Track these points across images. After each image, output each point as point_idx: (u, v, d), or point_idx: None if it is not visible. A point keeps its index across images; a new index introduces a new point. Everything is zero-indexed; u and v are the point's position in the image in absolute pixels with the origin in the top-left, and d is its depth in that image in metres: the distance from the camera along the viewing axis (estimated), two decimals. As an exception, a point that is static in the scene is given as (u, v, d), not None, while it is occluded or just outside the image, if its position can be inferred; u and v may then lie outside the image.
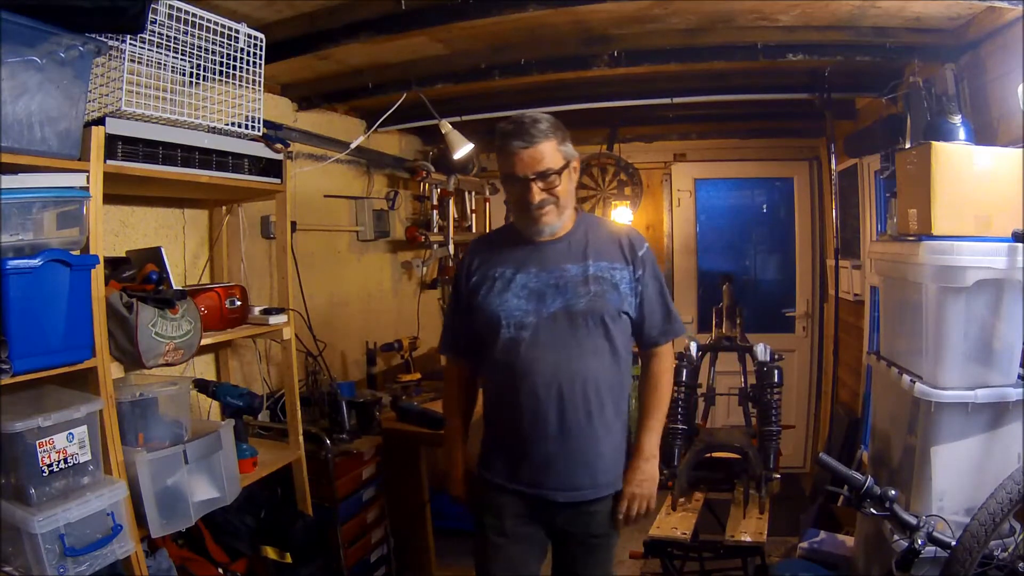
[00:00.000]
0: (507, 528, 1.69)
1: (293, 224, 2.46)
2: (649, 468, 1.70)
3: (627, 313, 1.66)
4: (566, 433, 1.60)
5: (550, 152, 1.59)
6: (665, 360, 1.77)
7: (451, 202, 3.78)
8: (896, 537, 1.78)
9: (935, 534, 1.51)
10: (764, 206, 4.65)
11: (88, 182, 1.55)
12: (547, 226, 1.64)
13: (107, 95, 1.64)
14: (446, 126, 3.11)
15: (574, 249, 1.66)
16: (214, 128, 1.92)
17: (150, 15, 1.58)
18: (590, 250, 1.66)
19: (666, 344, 1.75)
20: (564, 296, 1.61)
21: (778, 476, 2.58)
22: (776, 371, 2.78)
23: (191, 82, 1.88)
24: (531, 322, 1.61)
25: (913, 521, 1.53)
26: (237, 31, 1.89)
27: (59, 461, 1.47)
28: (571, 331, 1.60)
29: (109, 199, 1.70)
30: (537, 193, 1.59)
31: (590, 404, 1.60)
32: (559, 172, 1.60)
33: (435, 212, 3.73)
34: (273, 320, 2.21)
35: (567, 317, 1.60)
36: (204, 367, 2.48)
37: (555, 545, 1.75)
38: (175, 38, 1.74)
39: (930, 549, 1.50)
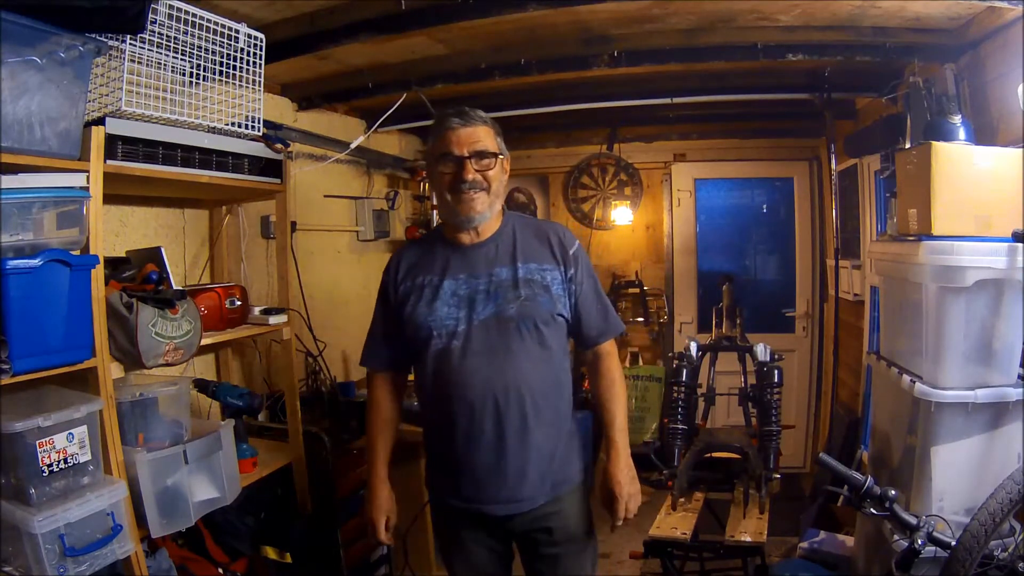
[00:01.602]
0: (464, 540, 1.67)
1: (293, 224, 2.46)
2: (630, 464, 1.67)
3: (561, 315, 1.61)
4: (503, 444, 1.54)
5: (487, 136, 1.57)
6: (610, 358, 1.72)
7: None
8: (896, 537, 1.78)
9: (935, 534, 1.51)
10: (764, 206, 4.64)
11: (88, 182, 1.55)
12: (477, 214, 1.56)
13: (107, 95, 1.64)
14: (446, 126, 3.11)
15: (502, 252, 1.61)
16: (214, 128, 1.92)
17: (150, 15, 1.58)
18: (519, 252, 1.60)
19: (607, 342, 1.71)
20: (495, 302, 1.56)
21: (778, 476, 2.58)
22: (776, 371, 2.78)
23: (191, 82, 1.88)
24: (462, 330, 1.55)
25: (913, 521, 1.53)
26: (237, 31, 1.89)
27: (59, 461, 1.47)
28: (503, 338, 1.55)
29: (109, 199, 1.71)
30: (471, 171, 1.53)
31: (526, 412, 1.54)
32: (494, 156, 1.57)
33: (435, 212, 3.73)
34: (273, 320, 2.21)
35: (498, 324, 1.55)
36: (204, 367, 2.48)
37: (521, 556, 1.73)
38: (175, 38, 1.75)
39: (930, 549, 1.50)
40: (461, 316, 1.56)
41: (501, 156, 1.59)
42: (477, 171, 1.54)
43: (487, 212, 1.58)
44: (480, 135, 1.56)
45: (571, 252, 1.64)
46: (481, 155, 1.55)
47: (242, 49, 1.92)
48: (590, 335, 1.68)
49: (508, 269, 1.58)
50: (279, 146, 2.20)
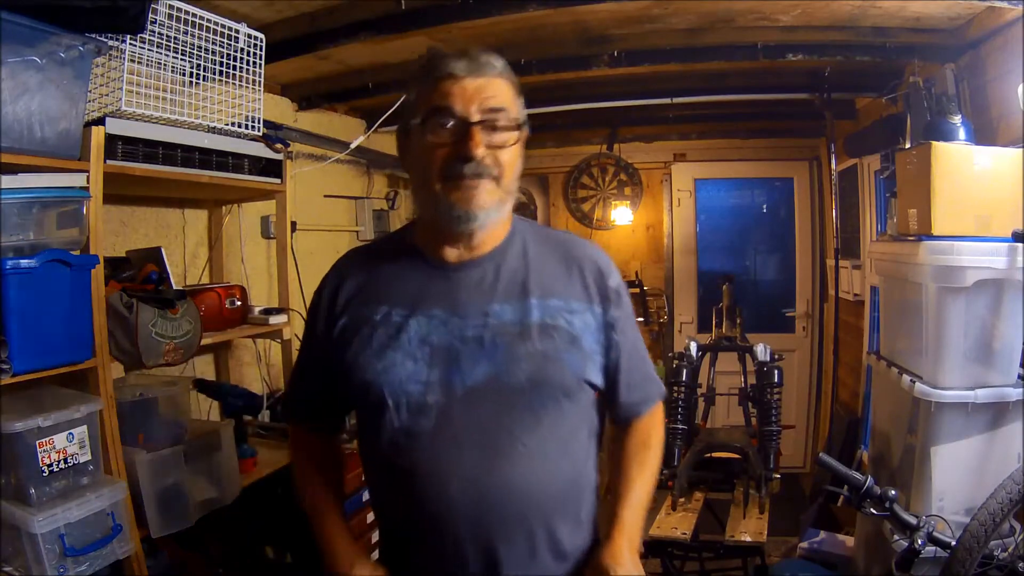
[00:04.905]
0: None
1: (293, 224, 2.46)
2: (635, 558, 1.08)
3: (591, 383, 1.05)
4: None
5: (505, 93, 1.01)
6: (652, 420, 1.18)
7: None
8: (896, 537, 1.78)
9: (935, 534, 1.51)
10: (764, 206, 4.65)
11: (88, 182, 1.55)
12: (480, 210, 0.98)
13: (107, 95, 1.64)
14: (446, 126, 3.11)
15: (507, 278, 1.04)
16: (214, 128, 1.92)
17: (150, 15, 1.58)
18: (532, 279, 1.04)
19: (649, 412, 1.17)
20: (492, 359, 0.99)
21: (778, 476, 2.58)
22: (776, 371, 2.78)
23: (191, 82, 1.88)
24: (436, 403, 0.98)
25: (913, 521, 1.53)
26: (237, 31, 1.89)
27: (59, 461, 1.47)
28: (505, 419, 0.98)
29: (109, 199, 1.70)
30: (480, 143, 0.96)
31: (535, 537, 1.00)
32: (515, 127, 1.01)
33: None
34: (273, 320, 2.21)
35: (498, 396, 0.98)
36: (204, 367, 2.48)
37: None
38: (175, 38, 1.74)
39: (930, 549, 1.50)
40: (434, 379, 0.99)
41: (520, 132, 1.02)
42: (488, 147, 0.97)
43: (493, 211, 1.01)
44: (496, 90, 1.00)
45: (612, 286, 1.09)
46: (496, 121, 0.99)
47: (242, 49, 1.92)
48: (629, 403, 1.13)
49: (516, 306, 1.02)
50: (279, 146, 2.20)
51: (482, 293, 1.03)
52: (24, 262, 1.40)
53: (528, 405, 0.99)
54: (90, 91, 1.58)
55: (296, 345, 1.35)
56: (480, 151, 0.96)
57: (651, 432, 1.17)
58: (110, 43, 1.59)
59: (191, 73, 1.86)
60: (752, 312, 4.05)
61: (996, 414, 1.78)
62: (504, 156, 1.00)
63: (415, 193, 1.06)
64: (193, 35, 1.78)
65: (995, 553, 1.52)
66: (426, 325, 1.01)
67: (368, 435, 1.06)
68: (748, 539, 2.36)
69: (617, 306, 1.09)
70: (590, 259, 1.10)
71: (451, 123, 0.98)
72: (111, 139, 1.62)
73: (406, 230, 1.15)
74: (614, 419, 1.17)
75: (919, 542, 1.48)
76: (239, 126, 1.98)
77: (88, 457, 1.53)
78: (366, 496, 2.59)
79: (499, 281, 1.04)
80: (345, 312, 1.07)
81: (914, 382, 1.85)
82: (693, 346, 3.01)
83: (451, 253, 1.05)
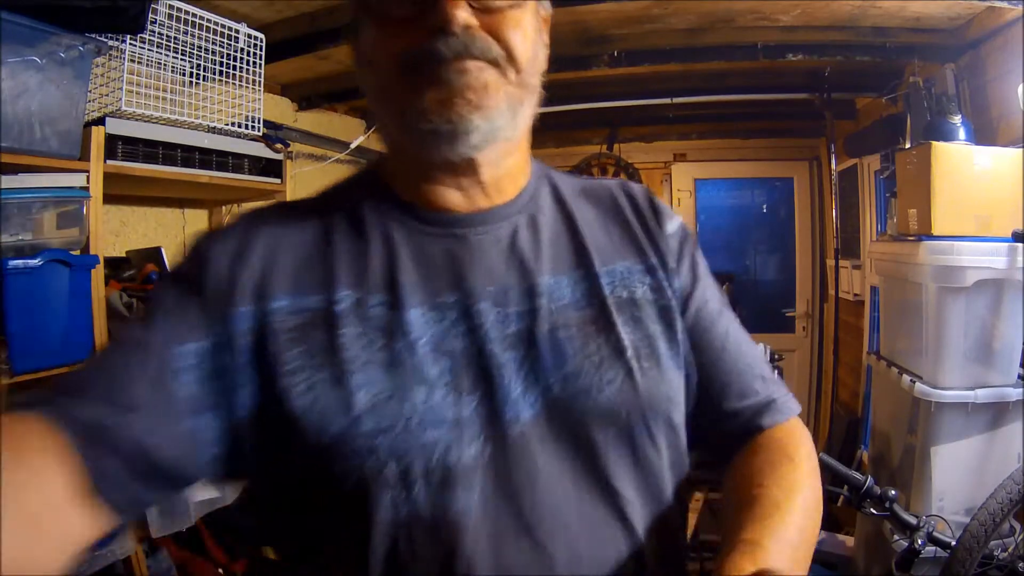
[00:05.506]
0: None
1: (293, 224, 2.45)
2: None
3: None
4: None
5: None
6: (793, 443, 0.67)
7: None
8: (896, 537, 1.78)
9: (935, 534, 1.51)
10: (764, 206, 4.64)
11: (88, 182, 1.55)
12: (474, 115, 0.57)
13: (107, 95, 1.64)
14: (446, 126, 3.11)
15: (550, 236, 0.66)
16: (214, 128, 1.92)
17: (150, 15, 1.58)
18: (588, 236, 0.67)
19: (779, 426, 0.69)
20: (560, 367, 0.59)
21: (778, 476, 2.58)
22: (776, 371, 2.78)
23: (191, 82, 1.88)
24: (478, 460, 0.55)
25: (913, 521, 1.53)
26: (237, 31, 1.89)
27: (59, 461, 1.47)
28: (599, 465, 0.58)
29: (109, 199, 1.71)
30: (463, 4, 0.56)
31: None
32: None
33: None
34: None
35: (580, 430, 0.58)
36: (204, 367, 2.48)
37: None
38: (175, 38, 1.75)
39: (930, 549, 1.50)
40: (467, 415, 0.56)
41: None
42: (477, 9, 0.57)
43: (502, 117, 0.59)
44: None
45: (670, 229, 0.70)
46: None
47: (242, 49, 1.92)
48: (746, 405, 0.68)
49: (576, 277, 0.64)
50: (279, 146, 2.20)
51: (519, 260, 0.62)
52: (24, 262, 1.40)
53: (628, 436, 0.59)
54: (90, 91, 1.58)
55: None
56: (462, 15, 0.55)
57: (793, 443, 0.66)
58: (110, 43, 1.59)
59: (191, 73, 1.87)
60: (752, 312, 4.05)
61: (996, 414, 1.78)
62: (507, 24, 0.58)
63: (378, 117, 0.63)
64: (193, 35, 1.78)
65: (995, 553, 1.53)
66: (435, 320, 0.58)
67: (332, 544, 0.57)
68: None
69: (682, 259, 0.68)
70: (630, 195, 0.71)
71: None
72: (111, 139, 1.62)
73: (370, 172, 0.68)
74: (716, 435, 0.70)
75: (919, 542, 1.49)
76: (239, 126, 1.98)
77: (88, 457, 1.53)
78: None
79: (540, 241, 0.64)
80: (261, 300, 0.57)
81: (914, 382, 1.85)
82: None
83: (454, 198, 0.62)
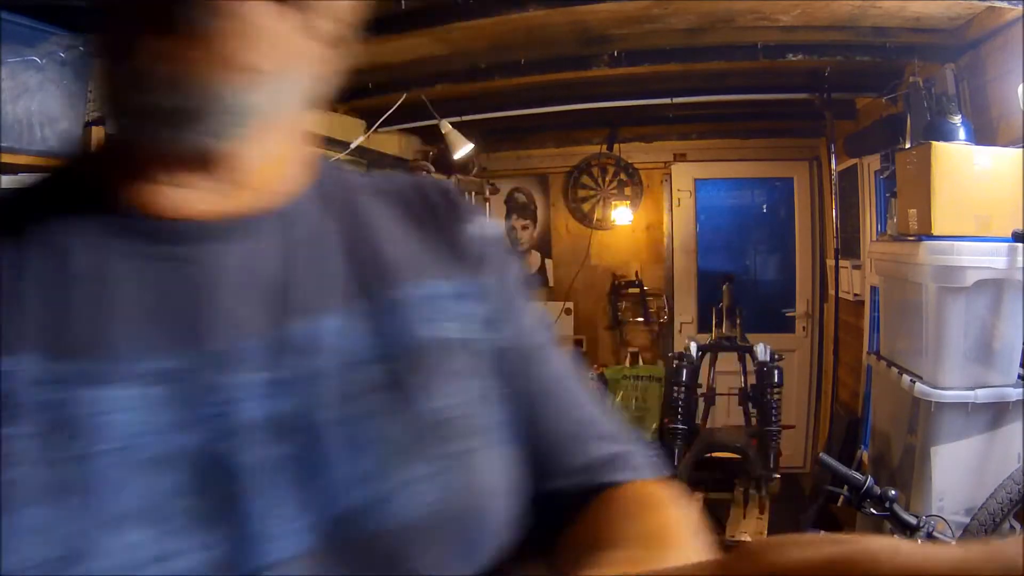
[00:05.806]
0: None
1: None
2: None
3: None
4: None
5: None
6: (655, 496, 0.47)
7: (451, 202, 3.75)
8: (896, 537, 1.78)
9: (935, 534, 1.51)
10: (764, 206, 4.65)
11: (88, 182, 1.55)
12: (235, 77, 0.35)
13: (107, 95, 1.65)
14: (446, 126, 3.12)
15: (329, 251, 0.43)
16: (214, 128, 1.92)
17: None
18: (387, 250, 0.45)
19: (642, 481, 0.48)
20: (343, 466, 0.38)
21: (778, 476, 2.59)
22: (776, 371, 2.78)
23: (191, 82, 1.88)
24: None
25: (913, 521, 1.53)
26: (237, 31, 1.89)
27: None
28: None
29: (109, 199, 1.70)
30: None
31: None
32: None
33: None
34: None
35: (368, 567, 0.37)
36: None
37: None
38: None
39: (930, 549, 1.50)
40: (200, 560, 0.33)
41: None
42: None
43: (274, 86, 0.37)
44: None
45: (476, 237, 0.49)
46: None
47: (242, 49, 1.92)
48: (581, 463, 0.47)
49: (366, 313, 0.42)
50: (279, 146, 2.20)
51: (286, 292, 0.40)
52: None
53: (453, 557, 0.40)
54: (90, 91, 1.58)
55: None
56: None
57: (654, 495, 0.48)
58: (110, 43, 1.59)
59: (191, 73, 1.87)
60: (752, 312, 4.05)
61: (996, 414, 1.78)
62: None
63: (101, 89, 0.40)
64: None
65: (995, 553, 1.53)
66: (151, 402, 0.35)
67: None
68: (748, 539, 2.36)
69: (508, 283, 0.50)
70: (435, 194, 0.50)
71: None
72: (111, 139, 1.62)
73: (68, 172, 0.46)
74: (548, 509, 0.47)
75: (919, 542, 1.49)
76: (239, 126, 1.98)
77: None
78: None
79: (322, 260, 0.43)
80: None
81: (914, 382, 1.85)
82: (693, 346, 3.01)
83: (189, 200, 0.40)
